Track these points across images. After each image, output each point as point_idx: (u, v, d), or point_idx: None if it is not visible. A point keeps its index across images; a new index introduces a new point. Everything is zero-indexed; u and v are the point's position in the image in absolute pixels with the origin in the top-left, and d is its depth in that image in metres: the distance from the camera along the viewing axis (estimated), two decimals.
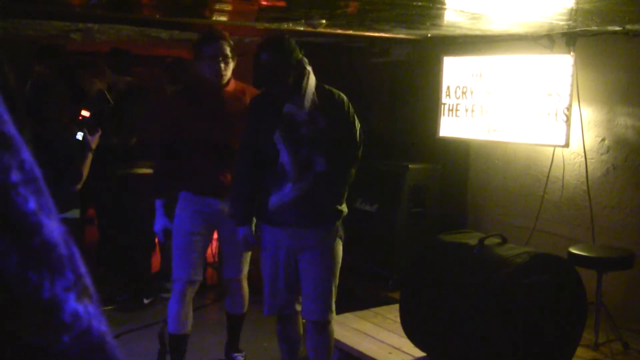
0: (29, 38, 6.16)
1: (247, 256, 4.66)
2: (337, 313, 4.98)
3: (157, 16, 5.43)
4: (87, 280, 0.56)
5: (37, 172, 0.55)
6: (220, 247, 5.21)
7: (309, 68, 3.82)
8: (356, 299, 5.84)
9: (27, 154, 0.54)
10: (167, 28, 5.93)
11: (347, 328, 4.90)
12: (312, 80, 3.81)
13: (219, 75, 4.31)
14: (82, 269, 0.56)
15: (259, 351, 5.17)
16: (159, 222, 4.54)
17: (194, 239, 4.45)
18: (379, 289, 6.18)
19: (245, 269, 4.75)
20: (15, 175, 0.52)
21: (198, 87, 4.49)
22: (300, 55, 3.79)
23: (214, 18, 5.23)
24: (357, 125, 3.93)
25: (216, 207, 4.44)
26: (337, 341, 4.61)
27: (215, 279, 6.69)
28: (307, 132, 3.76)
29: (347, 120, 3.88)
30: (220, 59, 4.30)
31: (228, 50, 4.33)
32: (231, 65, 4.38)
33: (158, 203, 4.54)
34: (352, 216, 6.46)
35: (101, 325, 0.55)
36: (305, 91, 3.76)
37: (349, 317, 5.08)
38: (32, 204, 0.53)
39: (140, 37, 6.20)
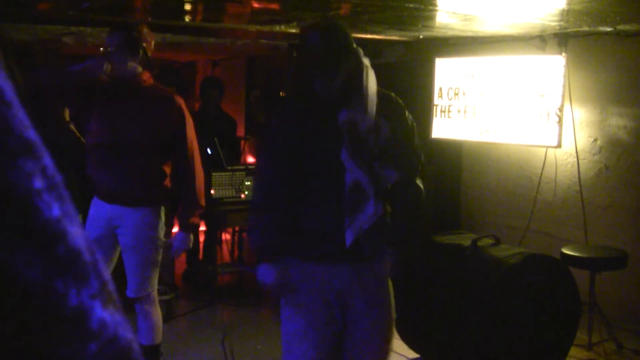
0: (23, 42, 6.15)
1: (156, 272, 4.00)
2: None
3: (149, 19, 5.42)
4: (112, 287, 0.55)
5: (59, 178, 0.54)
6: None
7: (367, 62, 2.94)
8: None
9: (49, 160, 0.53)
10: (160, 31, 5.92)
11: None
12: (373, 77, 2.92)
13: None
14: (106, 275, 0.55)
15: (251, 354, 5.16)
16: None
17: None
18: None
19: (154, 285, 4.02)
20: (38, 182, 0.51)
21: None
22: (355, 45, 2.93)
23: (205, 21, 5.23)
24: (417, 137, 3.15)
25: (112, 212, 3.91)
26: None
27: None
28: (374, 143, 2.90)
29: (409, 130, 3.08)
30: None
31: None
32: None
33: None
34: None
35: (127, 333, 0.55)
36: (367, 91, 2.86)
37: None
38: (56, 211, 0.52)
39: None
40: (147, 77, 3.86)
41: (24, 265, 0.49)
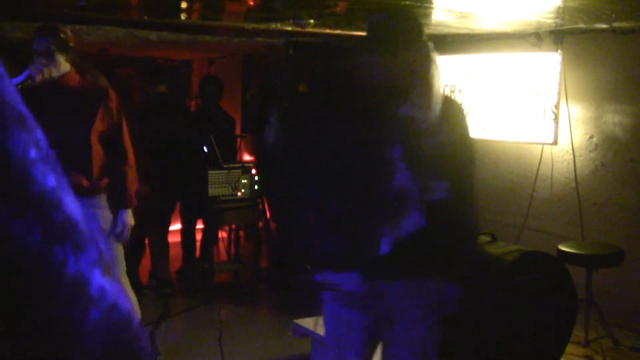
0: (18, 40, 6.14)
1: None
2: None
3: (145, 17, 5.42)
4: (109, 257, 0.57)
5: (52, 151, 0.55)
6: None
7: (435, 57, 2.62)
8: None
9: (41, 134, 0.55)
10: (156, 29, 5.92)
11: None
12: (439, 74, 2.59)
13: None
14: (103, 245, 0.56)
15: (249, 351, 5.16)
16: None
17: None
18: None
19: None
20: (33, 152, 0.53)
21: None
22: (426, 38, 2.66)
23: (200, 19, 5.22)
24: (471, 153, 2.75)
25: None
26: None
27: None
28: (430, 145, 2.52)
29: (466, 138, 2.72)
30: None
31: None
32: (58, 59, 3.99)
33: None
34: None
35: (127, 302, 0.56)
36: (432, 86, 2.52)
37: None
38: (51, 181, 0.53)
39: (128, 39, 6.18)
40: (75, 75, 4.04)
41: (23, 231, 0.50)
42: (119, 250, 4.06)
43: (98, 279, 0.54)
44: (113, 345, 0.53)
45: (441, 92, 2.57)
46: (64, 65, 3.97)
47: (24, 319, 0.51)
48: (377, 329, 2.74)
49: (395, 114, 2.46)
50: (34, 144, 0.53)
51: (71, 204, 0.55)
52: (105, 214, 4.05)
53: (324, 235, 2.53)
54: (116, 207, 4.13)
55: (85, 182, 3.93)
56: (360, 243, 2.52)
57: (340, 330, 2.77)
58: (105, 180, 4.07)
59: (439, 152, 2.52)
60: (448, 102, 2.64)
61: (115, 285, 0.55)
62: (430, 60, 2.58)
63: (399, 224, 2.48)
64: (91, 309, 0.52)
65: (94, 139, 3.99)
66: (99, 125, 4.00)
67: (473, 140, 2.80)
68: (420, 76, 2.52)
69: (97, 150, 4.02)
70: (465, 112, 2.78)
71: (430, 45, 2.63)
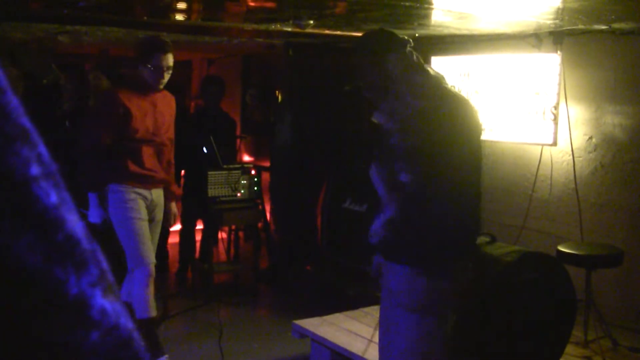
0: (18, 40, 6.15)
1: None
2: (327, 313, 4.99)
3: (145, 18, 5.42)
4: (111, 277, 0.56)
5: (54, 166, 0.54)
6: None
7: (408, 62, 3.00)
8: (347, 299, 5.85)
9: (43, 148, 0.54)
10: (154, 30, 5.92)
11: (338, 328, 4.90)
12: (408, 79, 2.96)
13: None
14: (105, 264, 0.55)
15: (249, 351, 5.17)
16: (98, 213, 4.58)
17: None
18: (369, 289, 6.19)
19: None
20: (35, 169, 0.52)
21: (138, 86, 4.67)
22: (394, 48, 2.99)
23: (200, 19, 5.22)
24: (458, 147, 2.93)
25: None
26: (328, 341, 4.62)
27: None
28: (397, 145, 2.88)
29: (454, 134, 2.92)
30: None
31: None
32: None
33: (93, 196, 4.58)
34: (342, 216, 6.46)
35: (128, 322, 0.55)
36: (394, 93, 2.94)
37: (340, 318, 5.08)
38: (53, 198, 0.52)
39: (128, 39, 6.19)
40: None
41: (25, 250, 0.49)
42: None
43: (99, 300, 0.53)
44: None
45: (408, 95, 2.87)
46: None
47: (24, 341, 0.50)
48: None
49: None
50: (37, 160, 0.52)
51: (73, 222, 0.53)
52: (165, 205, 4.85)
53: None
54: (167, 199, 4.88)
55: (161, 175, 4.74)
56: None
57: None
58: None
59: (407, 150, 2.81)
60: (437, 100, 2.88)
61: (116, 304, 0.55)
62: (390, 71, 2.93)
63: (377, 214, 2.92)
64: (92, 331, 0.52)
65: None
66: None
67: (470, 136, 2.94)
68: (387, 88, 2.91)
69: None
70: (469, 108, 2.95)
71: (395, 56, 2.95)
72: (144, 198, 4.63)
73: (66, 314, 0.51)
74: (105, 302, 0.53)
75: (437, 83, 2.98)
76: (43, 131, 0.55)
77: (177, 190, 4.95)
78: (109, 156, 4.54)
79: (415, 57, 3.03)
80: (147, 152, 4.64)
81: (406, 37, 3.08)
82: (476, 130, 3.00)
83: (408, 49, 3.02)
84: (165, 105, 4.76)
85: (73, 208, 0.55)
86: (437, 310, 2.99)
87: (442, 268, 2.95)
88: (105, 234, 4.51)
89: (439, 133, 2.83)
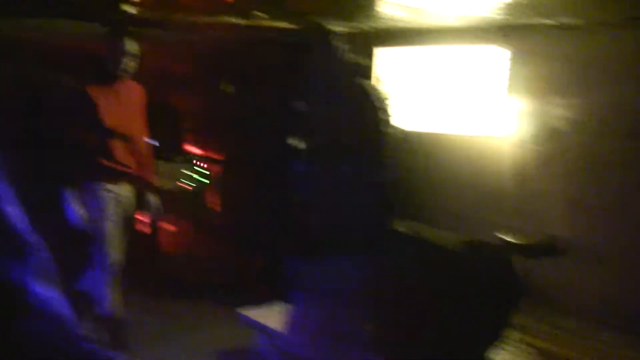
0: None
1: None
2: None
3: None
4: (51, 267, 0.55)
5: None
6: None
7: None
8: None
9: None
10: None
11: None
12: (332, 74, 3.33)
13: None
14: (45, 253, 0.55)
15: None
16: (74, 210, 4.52)
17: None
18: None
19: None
20: None
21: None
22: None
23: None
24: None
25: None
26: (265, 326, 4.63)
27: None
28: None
29: (368, 124, 3.30)
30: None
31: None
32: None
33: (69, 194, 4.51)
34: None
35: (67, 309, 0.54)
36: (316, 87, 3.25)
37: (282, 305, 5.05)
38: None
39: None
40: None
41: None
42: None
43: (36, 287, 0.52)
44: (52, 353, 0.52)
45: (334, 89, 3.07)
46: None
47: None
48: None
49: None
50: None
51: (13, 213, 0.53)
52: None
53: None
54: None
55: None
56: None
57: None
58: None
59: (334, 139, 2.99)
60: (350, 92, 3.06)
61: (55, 293, 0.54)
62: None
63: None
64: (29, 317, 0.51)
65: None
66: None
67: (386, 127, 3.21)
68: None
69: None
70: (371, 98, 3.13)
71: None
72: (115, 194, 4.56)
73: (2, 299, 0.50)
74: (43, 290, 0.53)
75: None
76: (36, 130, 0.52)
77: (155, 181, 4.84)
78: (79, 152, 4.47)
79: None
80: (116, 146, 4.54)
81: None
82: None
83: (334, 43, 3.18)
84: (131, 94, 4.64)
85: (15, 200, 0.54)
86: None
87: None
88: (85, 231, 4.51)
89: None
